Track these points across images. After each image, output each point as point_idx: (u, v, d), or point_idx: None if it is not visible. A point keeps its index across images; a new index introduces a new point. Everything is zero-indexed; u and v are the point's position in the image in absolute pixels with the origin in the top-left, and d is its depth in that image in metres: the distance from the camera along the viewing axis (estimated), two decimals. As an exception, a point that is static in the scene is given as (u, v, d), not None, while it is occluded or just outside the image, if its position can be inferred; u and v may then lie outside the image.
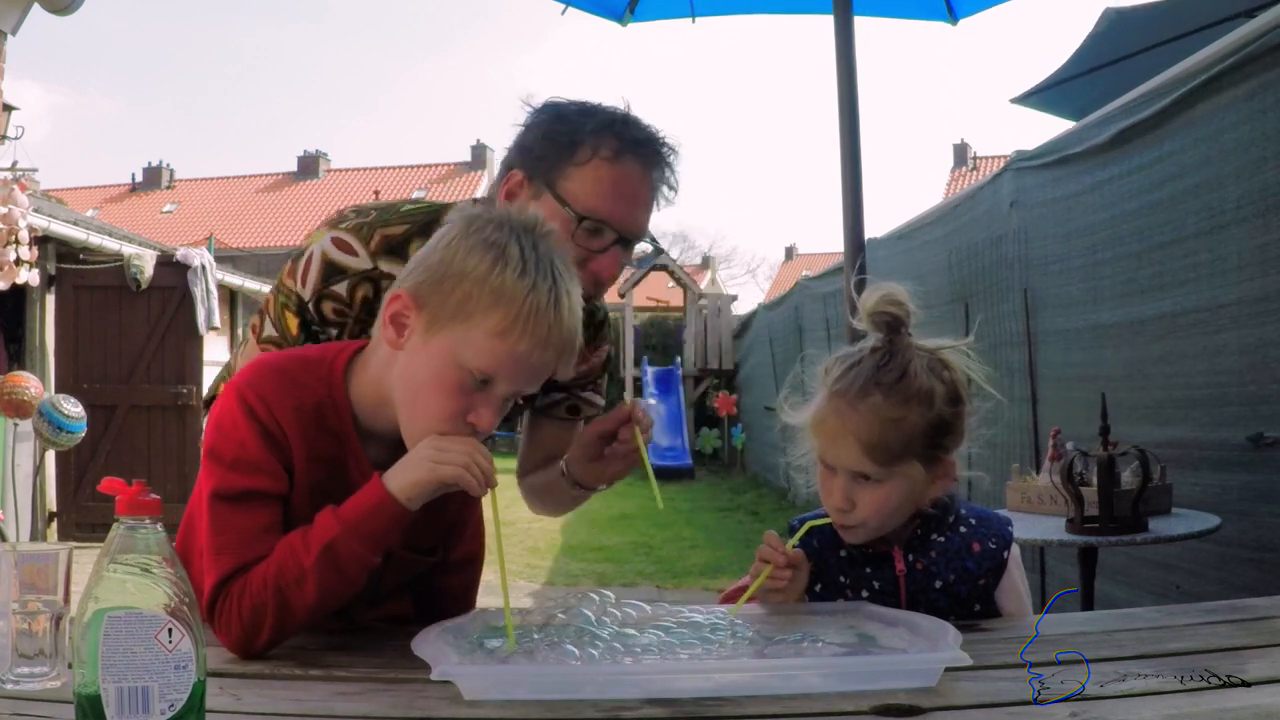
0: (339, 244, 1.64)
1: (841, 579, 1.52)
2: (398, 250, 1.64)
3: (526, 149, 1.65)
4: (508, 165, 1.68)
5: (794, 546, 1.47)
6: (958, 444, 1.48)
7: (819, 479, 1.50)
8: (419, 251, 1.40)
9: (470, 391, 1.33)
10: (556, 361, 1.36)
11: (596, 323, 1.84)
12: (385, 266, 1.64)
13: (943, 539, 1.51)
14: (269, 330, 1.70)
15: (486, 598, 1.57)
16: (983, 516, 1.56)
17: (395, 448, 1.39)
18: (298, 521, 1.35)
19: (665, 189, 1.67)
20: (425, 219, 1.67)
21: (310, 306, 1.65)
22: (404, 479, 1.31)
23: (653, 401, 14.58)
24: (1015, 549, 1.55)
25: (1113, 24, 5.23)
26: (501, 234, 1.33)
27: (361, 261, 1.64)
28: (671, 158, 1.66)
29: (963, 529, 1.53)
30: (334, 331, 1.67)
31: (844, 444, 1.44)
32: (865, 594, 1.50)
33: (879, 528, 1.48)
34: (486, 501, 1.40)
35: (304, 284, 1.65)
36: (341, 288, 1.64)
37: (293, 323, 1.66)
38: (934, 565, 1.50)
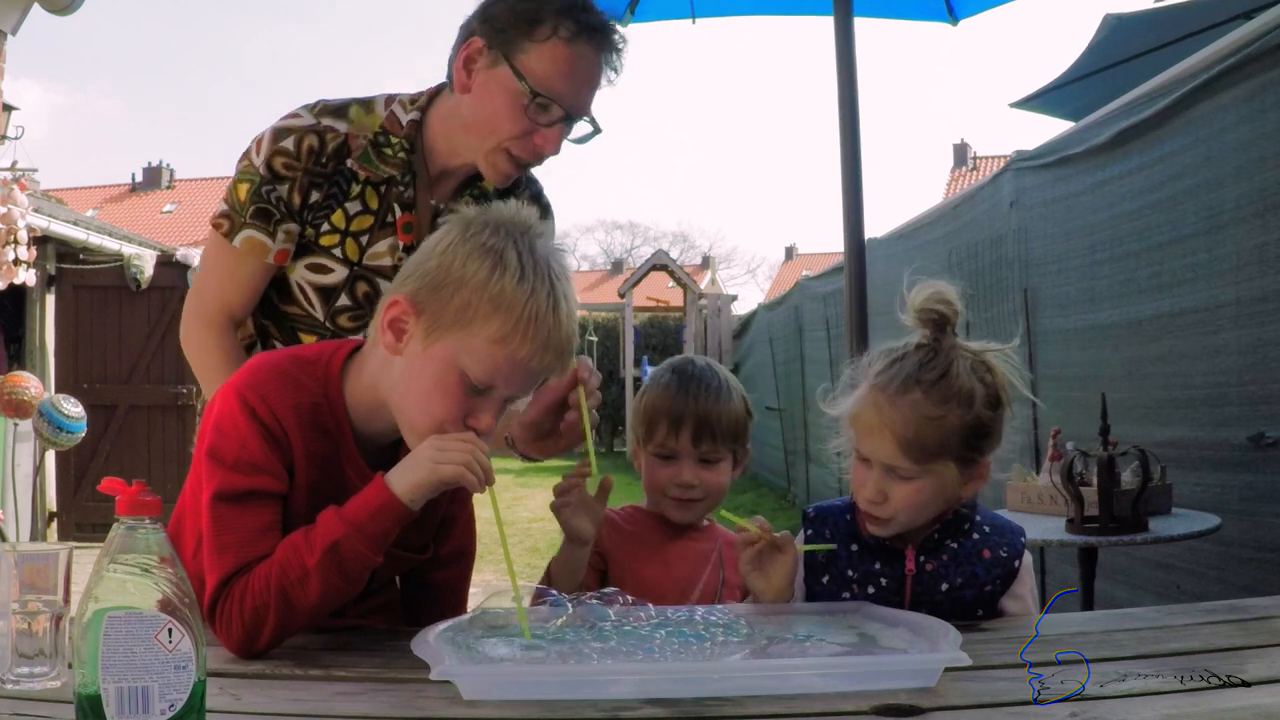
0: (286, 117, 1.77)
1: (850, 573, 1.52)
2: (339, 112, 1.78)
3: (490, 18, 1.73)
4: (468, 30, 1.76)
5: (803, 538, 1.48)
6: (994, 447, 1.48)
7: (852, 470, 1.50)
8: (414, 255, 1.41)
9: (471, 396, 1.33)
10: (555, 364, 1.36)
11: (542, 206, 1.93)
12: (328, 122, 1.76)
13: (956, 544, 1.51)
14: (220, 208, 1.78)
15: (489, 599, 1.57)
16: (996, 524, 1.56)
17: (389, 448, 1.39)
18: (294, 520, 1.35)
19: (611, 72, 1.77)
20: (365, 98, 1.82)
21: (262, 168, 1.73)
22: (407, 480, 1.32)
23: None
24: (1028, 558, 1.54)
25: (1113, 30, 5.24)
26: (498, 238, 1.33)
27: (305, 120, 1.76)
28: (621, 45, 1.77)
29: (976, 535, 1.53)
30: (283, 188, 1.73)
31: (881, 438, 1.44)
32: (871, 589, 1.50)
33: (908, 523, 1.48)
34: (480, 499, 1.41)
35: (258, 154, 1.74)
36: (289, 143, 1.73)
37: (243, 190, 1.74)
38: (943, 568, 1.50)
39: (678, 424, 1.73)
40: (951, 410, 1.42)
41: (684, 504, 1.76)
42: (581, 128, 1.78)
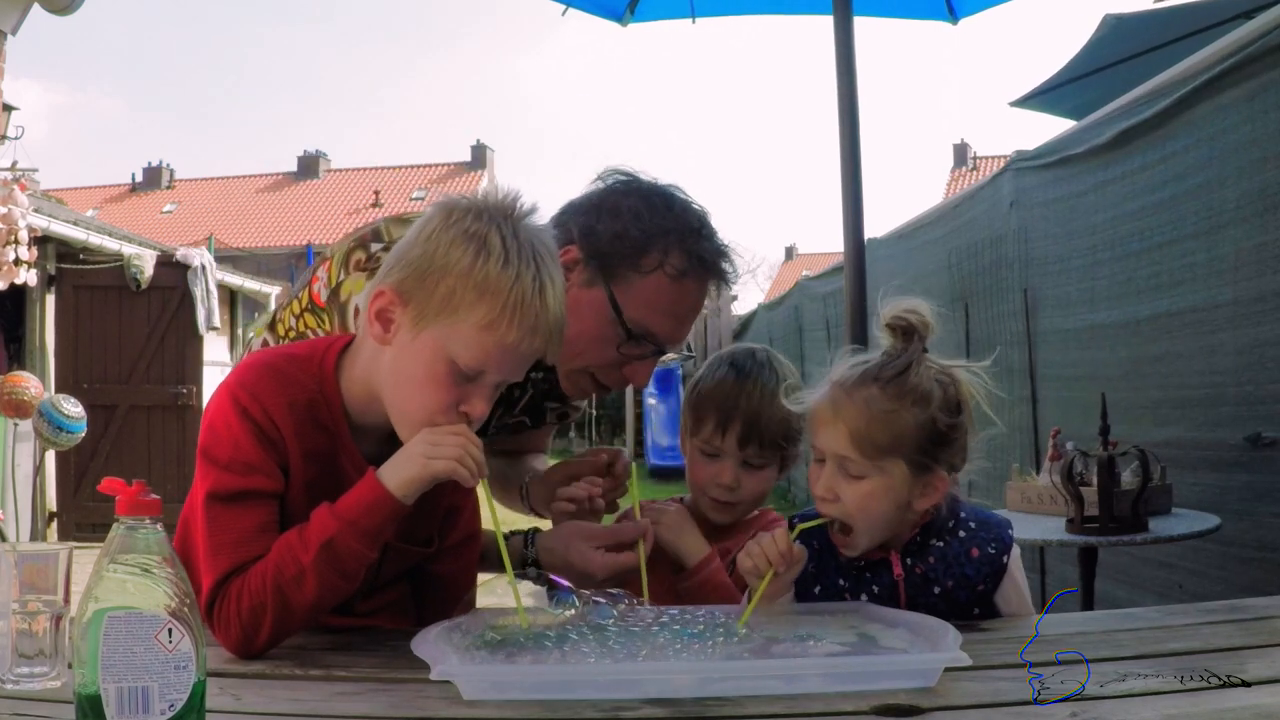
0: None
1: (841, 582, 1.52)
2: None
3: (592, 234, 1.60)
4: (565, 235, 1.61)
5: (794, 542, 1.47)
6: (953, 460, 1.46)
7: (810, 469, 1.50)
8: (399, 244, 1.39)
9: (461, 383, 1.33)
10: (545, 347, 1.36)
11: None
12: None
13: (941, 544, 1.51)
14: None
15: (489, 598, 1.57)
16: (982, 519, 1.55)
17: (386, 441, 1.39)
18: (294, 518, 1.35)
19: (715, 293, 1.67)
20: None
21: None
22: (399, 475, 1.31)
23: (653, 401, 14.60)
24: (1016, 551, 1.54)
25: (1112, 29, 5.24)
26: (481, 223, 1.32)
27: None
28: (732, 276, 1.65)
29: (962, 533, 1.52)
30: None
31: (833, 430, 1.44)
32: (864, 598, 1.50)
33: (868, 533, 1.46)
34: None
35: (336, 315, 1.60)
36: None
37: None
38: (932, 571, 1.50)
39: (725, 423, 1.67)
40: (905, 407, 1.41)
41: (722, 506, 1.71)
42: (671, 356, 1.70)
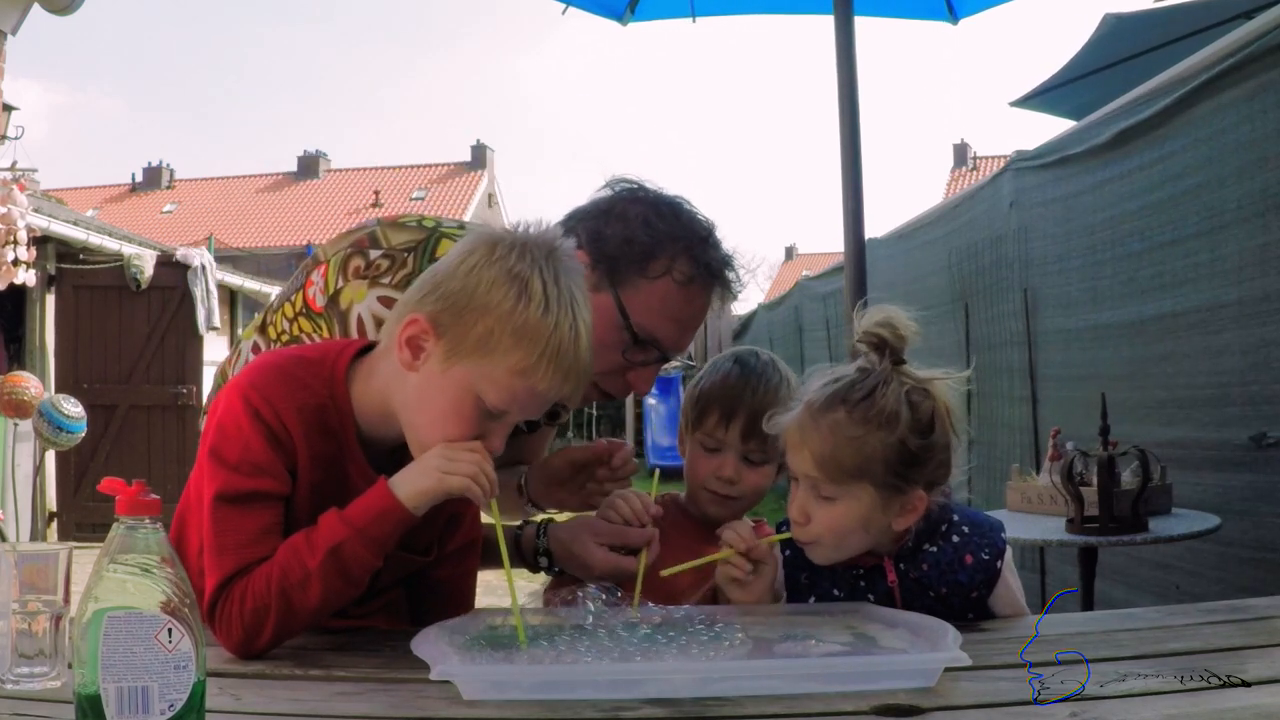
0: (386, 303, 1.57)
1: (836, 591, 1.51)
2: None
3: (600, 239, 1.62)
4: (575, 239, 1.57)
5: (771, 545, 1.47)
6: (930, 478, 1.43)
7: (790, 489, 1.48)
8: (436, 269, 1.38)
9: (484, 420, 1.34)
10: (573, 392, 1.36)
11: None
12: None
13: (935, 549, 1.50)
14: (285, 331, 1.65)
15: (488, 598, 1.57)
16: (975, 522, 1.54)
17: (392, 452, 1.39)
18: (297, 521, 1.35)
19: (719, 304, 1.68)
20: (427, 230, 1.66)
21: (354, 331, 1.58)
22: (412, 487, 1.32)
23: (653, 402, 14.61)
24: (1008, 553, 1.53)
25: (1112, 28, 5.24)
26: (524, 264, 1.31)
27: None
28: (737, 286, 1.67)
29: (955, 538, 1.50)
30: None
31: (801, 454, 1.43)
32: None
33: (835, 548, 1.45)
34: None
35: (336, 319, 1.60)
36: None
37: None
38: (925, 578, 1.49)
39: (730, 415, 1.67)
40: (872, 432, 1.39)
41: (722, 500, 1.70)
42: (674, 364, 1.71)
